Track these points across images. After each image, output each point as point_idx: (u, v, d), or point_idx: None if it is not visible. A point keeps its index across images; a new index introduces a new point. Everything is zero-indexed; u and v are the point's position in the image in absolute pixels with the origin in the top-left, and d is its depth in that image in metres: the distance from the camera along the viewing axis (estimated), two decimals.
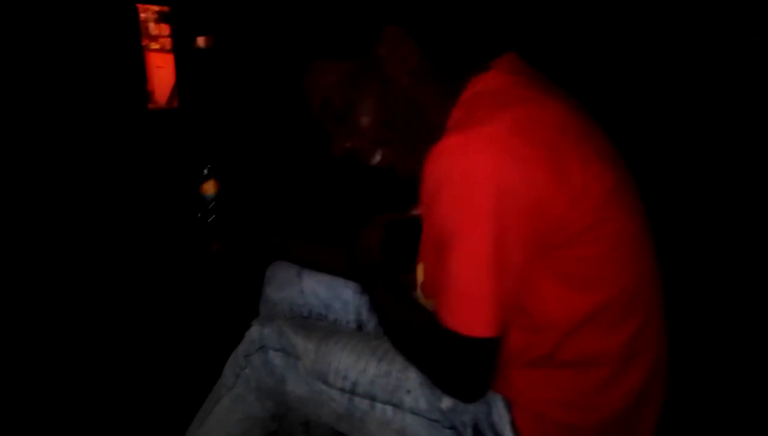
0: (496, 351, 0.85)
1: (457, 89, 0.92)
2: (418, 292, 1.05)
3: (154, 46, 4.66)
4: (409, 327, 0.94)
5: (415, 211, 1.08)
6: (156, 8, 4.64)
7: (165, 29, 4.69)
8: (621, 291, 0.87)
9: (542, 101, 0.86)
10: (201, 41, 4.73)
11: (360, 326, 1.25)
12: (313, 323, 1.20)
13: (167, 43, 4.67)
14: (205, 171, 1.22)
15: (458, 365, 0.85)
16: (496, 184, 0.76)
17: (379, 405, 1.00)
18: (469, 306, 0.81)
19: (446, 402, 0.97)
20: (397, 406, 0.99)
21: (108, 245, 2.89)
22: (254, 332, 1.08)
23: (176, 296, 2.38)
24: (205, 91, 4.60)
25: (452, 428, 0.96)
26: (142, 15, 4.57)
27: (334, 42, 0.92)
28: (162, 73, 4.61)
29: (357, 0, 0.94)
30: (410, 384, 0.99)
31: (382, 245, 1.06)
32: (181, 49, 4.65)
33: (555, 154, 0.80)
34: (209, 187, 1.23)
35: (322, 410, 1.06)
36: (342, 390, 1.03)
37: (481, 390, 0.88)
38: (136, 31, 4.48)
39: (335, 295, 1.28)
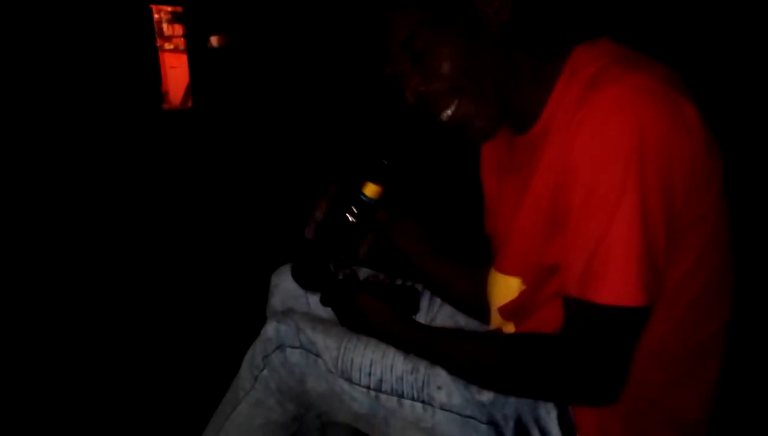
0: (641, 329, 0.77)
1: (558, 58, 0.86)
2: (495, 318, 1.01)
3: (168, 46, 4.68)
4: (513, 356, 0.84)
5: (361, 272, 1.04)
6: (169, 9, 4.67)
7: (178, 29, 4.71)
8: (712, 283, 0.83)
9: (669, 68, 0.82)
10: (214, 41, 4.72)
11: None
12: (331, 321, 1.14)
13: (181, 43, 4.69)
14: (383, 162, 0.97)
15: (604, 352, 0.76)
16: (662, 135, 0.72)
17: (407, 402, 0.95)
18: (620, 274, 0.73)
19: (487, 394, 0.91)
20: (427, 403, 0.94)
21: (118, 244, 2.86)
22: (270, 330, 1.02)
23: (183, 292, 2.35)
24: (220, 91, 4.59)
25: (491, 423, 0.91)
26: (156, 16, 4.59)
27: None
28: (176, 73, 4.63)
29: None
30: (441, 380, 0.94)
31: (384, 304, 0.96)
32: (194, 49, 4.66)
33: (701, 115, 0.76)
34: (373, 190, 0.97)
35: (341, 409, 1.01)
36: (367, 388, 0.97)
37: (623, 383, 0.78)
38: (149, 32, 4.50)
39: None
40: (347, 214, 0.96)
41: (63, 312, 2.24)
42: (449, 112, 0.90)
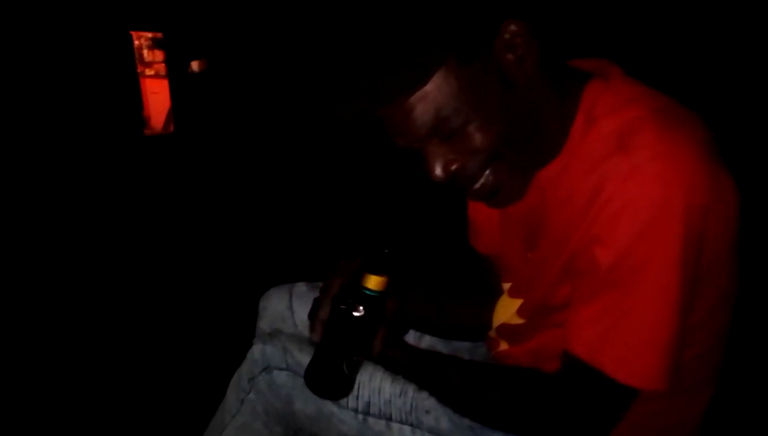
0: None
1: (571, 96, 0.81)
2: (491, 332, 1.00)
3: (149, 72, 4.69)
4: (501, 393, 0.83)
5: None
6: (149, 35, 4.68)
7: (159, 55, 4.72)
8: (712, 340, 0.82)
9: (695, 117, 0.78)
10: (195, 66, 4.74)
11: None
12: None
13: (162, 68, 4.70)
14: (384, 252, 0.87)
15: (597, 416, 0.76)
16: (704, 214, 0.68)
17: (395, 425, 0.94)
18: (645, 355, 0.71)
19: None
20: (416, 426, 0.93)
21: (103, 269, 2.82)
22: (256, 351, 1.01)
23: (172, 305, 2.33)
24: (202, 116, 4.59)
25: None
26: (136, 42, 4.60)
27: (450, 47, 0.73)
28: (157, 99, 4.63)
29: None
30: (429, 404, 0.94)
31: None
32: (175, 74, 4.67)
33: (735, 182, 0.73)
34: (376, 282, 0.86)
35: (330, 431, 1.00)
36: (355, 411, 0.97)
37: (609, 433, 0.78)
38: (130, 59, 4.50)
39: None
40: (353, 312, 0.86)
41: (45, 336, 2.21)
42: (482, 182, 0.81)
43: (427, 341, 1.19)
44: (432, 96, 0.74)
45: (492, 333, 1.02)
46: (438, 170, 0.80)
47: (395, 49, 0.73)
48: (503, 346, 0.99)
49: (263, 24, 4.57)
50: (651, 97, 0.79)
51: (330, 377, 0.88)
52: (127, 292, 2.58)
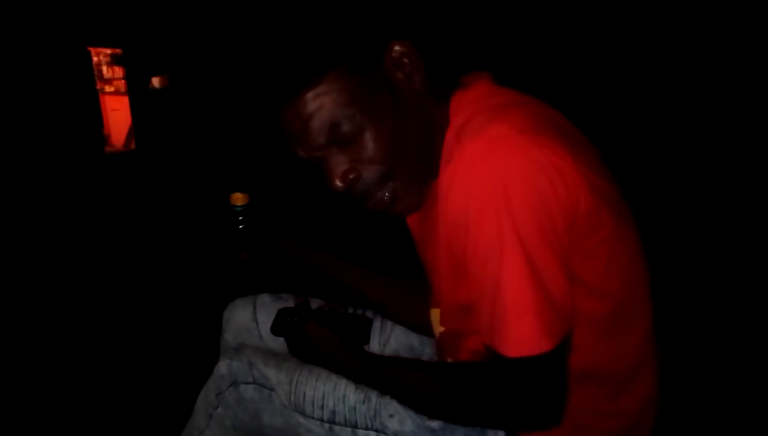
0: (563, 361, 0.78)
1: (446, 108, 0.88)
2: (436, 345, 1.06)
3: (109, 89, 4.62)
4: (455, 385, 0.87)
5: (308, 300, 1.15)
6: (108, 51, 4.61)
7: (119, 72, 4.65)
8: (623, 302, 0.86)
9: (538, 104, 0.86)
10: (156, 82, 4.69)
11: None
12: (283, 355, 1.16)
13: (122, 85, 4.64)
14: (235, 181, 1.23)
15: (530, 393, 0.78)
16: (526, 178, 0.72)
17: (361, 432, 0.97)
18: (518, 323, 0.75)
19: (437, 420, 0.94)
20: (381, 431, 0.96)
21: (65, 286, 2.79)
22: (223, 367, 1.03)
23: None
24: (163, 132, 4.55)
25: None
26: (95, 58, 4.54)
27: (342, 54, 0.81)
28: (118, 115, 4.56)
29: (363, 11, 0.84)
30: (392, 408, 0.97)
31: (333, 334, 1.02)
32: (136, 90, 4.62)
33: (573, 149, 0.78)
34: (239, 198, 1.26)
35: None
36: (321, 420, 0.99)
37: (562, 408, 0.80)
38: (89, 75, 4.44)
39: None
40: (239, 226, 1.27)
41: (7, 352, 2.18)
42: (380, 195, 0.88)
43: (391, 348, 1.23)
44: (324, 96, 0.80)
45: (436, 350, 1.07)
46: (336, 179, 0.86)
47: (292, 49, 0.82)
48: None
49: (224, 39, 4.56)
50: (501, 91, 0.88)
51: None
52: (91, 307, 2.56)
